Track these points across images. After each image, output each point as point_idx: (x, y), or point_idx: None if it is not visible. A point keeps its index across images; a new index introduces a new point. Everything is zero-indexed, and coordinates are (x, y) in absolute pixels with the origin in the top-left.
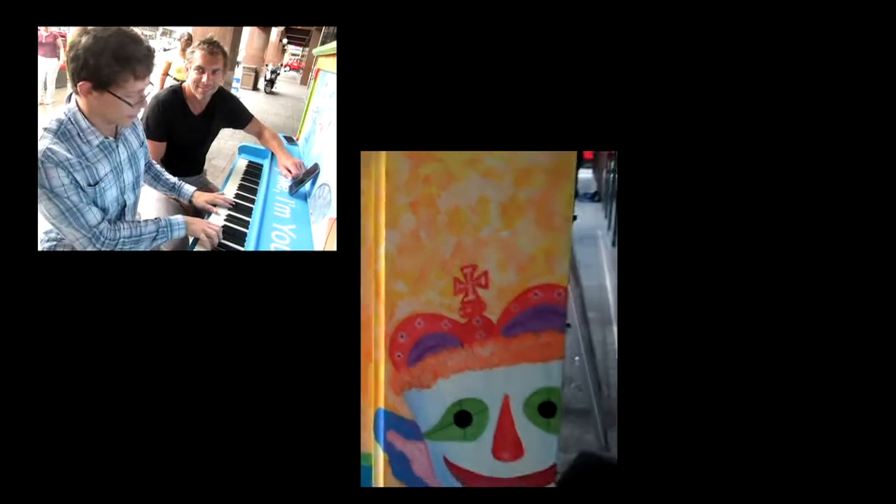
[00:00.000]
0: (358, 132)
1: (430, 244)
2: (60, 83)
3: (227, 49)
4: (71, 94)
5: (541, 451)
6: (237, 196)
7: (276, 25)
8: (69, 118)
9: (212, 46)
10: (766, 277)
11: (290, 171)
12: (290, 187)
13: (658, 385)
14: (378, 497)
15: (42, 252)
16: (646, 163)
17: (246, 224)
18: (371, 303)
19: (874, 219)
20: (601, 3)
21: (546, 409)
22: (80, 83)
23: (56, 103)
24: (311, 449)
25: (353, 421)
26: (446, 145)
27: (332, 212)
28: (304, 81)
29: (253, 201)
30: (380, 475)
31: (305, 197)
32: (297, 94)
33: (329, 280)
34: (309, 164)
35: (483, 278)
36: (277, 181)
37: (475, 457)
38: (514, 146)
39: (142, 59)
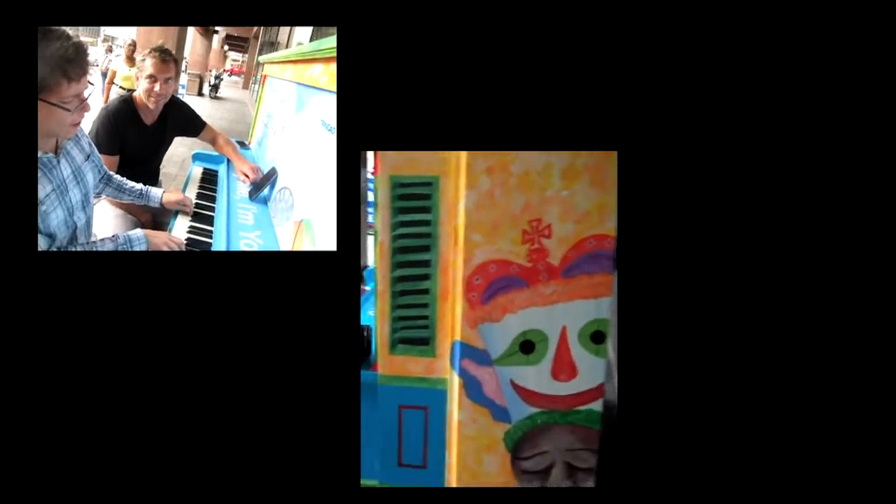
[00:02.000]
0: (358, 132)
1: (502, 202)
2: None
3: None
4: None
5: (591, 373)
6: (197, 205)
7: (276, 26)
8: None
9: (163, 54)
10: (765, 276)
11: (247, 175)
12: (250, 192)
13: (658, 384)
14: (378, 497)
15: (42, 252)
16: (646, 163)
17: (209, 234)
18: (450, 251)
19: (874, 218)
20: (601, 4)
21: (596, 337)
22: None
23: None
24: (312, 449)
25: (353, 420)
26: (446, 145)
27: (296, 215)
28: (245, 86)
29: (213, 209)
30: (454, 397)
31: (265, 201)
32: (240, 98)
33: (329, 280)
34: (265, 169)
35: (547, 230)
36: (237, 187)
37: (537, 378)
38: (514, 146)
39: (72, 58)
